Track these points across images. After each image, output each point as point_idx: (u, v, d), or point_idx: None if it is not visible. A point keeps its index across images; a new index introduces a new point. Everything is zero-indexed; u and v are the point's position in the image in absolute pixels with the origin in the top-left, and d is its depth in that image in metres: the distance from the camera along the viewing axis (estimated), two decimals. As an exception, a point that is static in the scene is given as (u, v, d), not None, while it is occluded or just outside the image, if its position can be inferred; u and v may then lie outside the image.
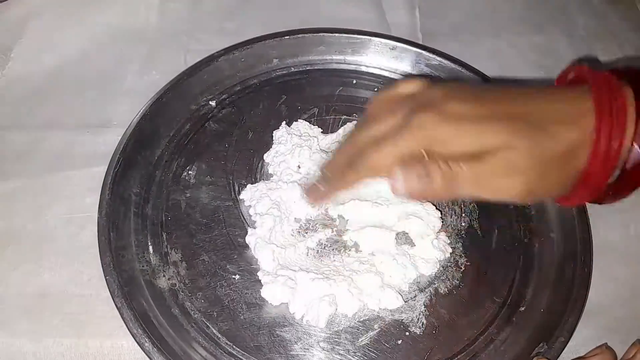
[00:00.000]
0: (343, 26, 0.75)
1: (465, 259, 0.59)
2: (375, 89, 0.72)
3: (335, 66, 0.74)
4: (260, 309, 0.55)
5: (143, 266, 0.57)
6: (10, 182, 0.63)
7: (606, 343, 0.54)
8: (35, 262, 0.58)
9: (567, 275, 0.58)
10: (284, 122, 0.67)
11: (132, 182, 0.62)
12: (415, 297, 0.56)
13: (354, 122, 0.67)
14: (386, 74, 0.74)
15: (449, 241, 0.60)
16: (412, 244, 0.59)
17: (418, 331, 0.55)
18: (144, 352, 0.51)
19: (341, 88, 0.72)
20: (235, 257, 0.58)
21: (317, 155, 0.62)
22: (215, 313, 0.55)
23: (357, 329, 0.54)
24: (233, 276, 0.57)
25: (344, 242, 0.59)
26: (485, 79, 0.71)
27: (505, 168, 0.41)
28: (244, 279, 0.56)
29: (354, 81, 0.73)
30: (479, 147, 0.41)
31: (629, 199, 0.64)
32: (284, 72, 0.73)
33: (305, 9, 0.82)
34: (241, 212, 0.61)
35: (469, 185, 0.42)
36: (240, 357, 0.52)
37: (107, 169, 0.60)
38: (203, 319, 0.54)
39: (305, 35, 0.73)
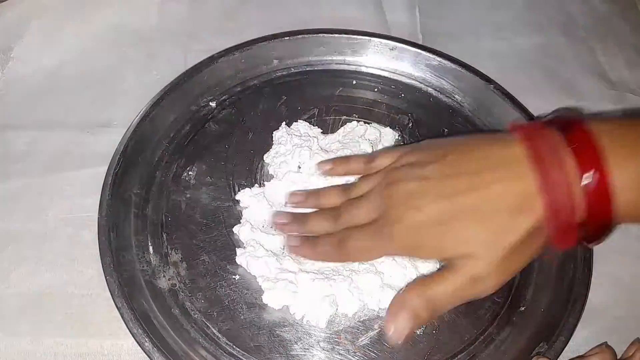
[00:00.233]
0: (343, 26, 0.75)
1: (465, 260, 0.59)
2: (375, 89, 0.72)
3: (335, 67, 0.74)
4: (261, 309, 0.55)
5: (143, 266, 0.57)
6: (10, 182, 0.63)
7: (606, 342, 0.54)
8: (35, 262, 0.58)
9: (567, 275, 0.58)
10: (284, 122, 0.67)
11: (133, 183, 0.62)
12: (415, 297, 0.56)
13: (354, 122, 0.66)
14: (386, 74, 0.74)
15: None
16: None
17: (418, 331, 0.55)
18: (144, 352, 0.51)
19: (341, 89, 0.72)
20: (235, 257, 0.57)
21: (317, 156, 0.62)
22: (215, 313, 0.55)
23: (357, 329, 0.54)
24: (233, 276, 0.57)
25: None
26: (485, 79, 0.71)
27: (474, 279, 0.45)
28: (244, 279, 0.56)
29: (354, 82, 0.73)
30: (442, 257, 0.48)
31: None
32: (284, 72, 0.73)
33: (305, 9, 0.82)
34: (241, 213, 0.61)
35: (446, 303, 0.47)
36: (241, 357, 0.52)
37: (108, 170, 0.60)
38: (203, 319, 0.54)
39: (305, 36, 0.73)
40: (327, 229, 0.53)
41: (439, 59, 0.72)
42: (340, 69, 0.74)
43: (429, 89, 0.73)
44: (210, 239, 0.59)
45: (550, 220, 0.42)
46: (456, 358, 0.54)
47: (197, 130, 0.67)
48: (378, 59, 0.74)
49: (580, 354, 0.54)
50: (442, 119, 0.70)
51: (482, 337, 0.55)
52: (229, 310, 0.55)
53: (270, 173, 0.64)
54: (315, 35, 0.74)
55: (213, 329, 0.54)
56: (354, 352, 0.53)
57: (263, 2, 0.84)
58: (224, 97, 0.70)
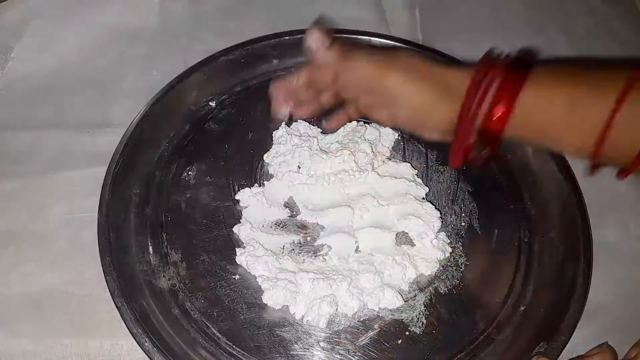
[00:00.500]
0: (343, 26, 0.75)
1: (465, 259, 0.59)
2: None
3: (335, 66, 0.74)
4: (261, 309, 0.55)
5: (143, 266, 0.57)
6: (11, 182, 0.63)
7: (607, 342, 0.54)
8: (36, 263, 0.58)
9: (567, 275, 0.58)
10: (284, 122, 0.67)
11: (132, 183, 0.62)
12: (415, 296, 0.56)
13: (354, 122, 0.66)
14: (386, 74, 0.73)
15: (448, 241, 0.60)
16: (411, 244, 0.59)
17: (418, 331, 0.55)
18: (144, 352, 0.51)
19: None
20: (235, 257, 0.57)
21: (317, 156, 0.62)
22: (215, 313, 0.55)
23: (357, 329, 0.55)
24: (233, 276, 0.57)
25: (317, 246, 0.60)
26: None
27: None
28: (244, 279, 0.56)
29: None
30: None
31: (628, 199, 0.65)
32: (284, 72, 0.73)
33: (305, 9, 0.82)
34: (241, 213, 0.61)
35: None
36: (240, 357, 0.52)
37: (107, 170, 0.60)
38: (203, 319, 0.54)
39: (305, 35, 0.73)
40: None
41: (438, 58, 0.72)
42: (339, 69, 0.74)
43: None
44: (210, 239, 0.59)
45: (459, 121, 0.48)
46: (456, 358, 0.54)
47: (196, 130, 0.67)
48: (378, 59, 0.74)
49: (581, 354, 0.54)
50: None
51: (482, 337, 0.55)
52: (228, 310, 0.55)
53: (270, 173, 0.64)
54: (315, 34, 0.73)
55: (213, 329, 0.54)
56: (354, 351, 0.53)
57: (263, 2, 0.84)
58: (223, 97, 0.70)
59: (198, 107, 0.69)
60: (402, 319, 0.55)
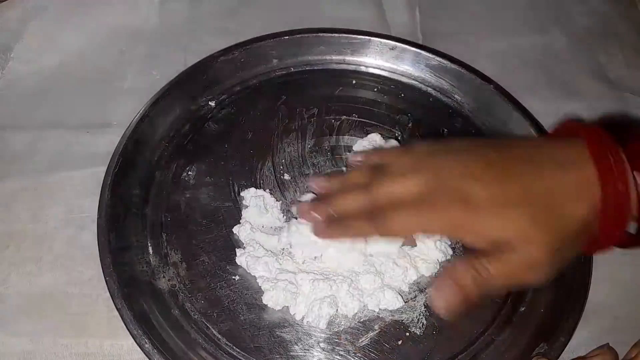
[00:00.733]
0: (343, 26, 0.75)
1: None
2: (375, 89, 0.72)
3: (334, 66, 0.74)
4: (261, 310, 0.55)
5: (143, 267, 0.57)
6: (10, 182, 0.63)
7: (608, 343, 0.55)
8: (35, 263, 0.58)
9: (567, 275, 0.58)
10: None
11: (132, 183, 0.61)
12: (415, 297, 0.56)
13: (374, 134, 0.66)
14: (386, 74, 0.73)
15: (449, 242, 0.60)
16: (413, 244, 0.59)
17: (418, 332, 0.55)
18: (144, 353, 0.51)
19: (341, 88, 0.72)
20: (235, 257, 0.57)
21: None
22: (215, 314, 0.55)
23: (357, 330, 0.54)
24: (233, 277, 0.57)
25: None
26: (485, 79, 0.71)
27: (529, 264, 0.43)
28: (244, 280, 0.56)
29: (354, 81, 0.73)
30: (498, 239, 0.44)
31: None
32: (284, 72, 0.73)
33: (305, 9, 0.82)
34: (241, 213, 0.61)
35: (497, 284, 0.44)
36: (241, 358, 0.52)
37: (107, 170, 0.60)
38: (203, 319, 0.54)
39: (305, 35, 0.73)
40: (359, 204, 0.49)
41: (438, 58, 0.72)
42: (340, 69, 0.74)
43: (429, 89, 0.73)
44: (210, 239, 0.59)
45: (605, 210, 0.43)
46: (456, 359, 0.54)
47: (196, 130, 0.67)
48: (378, 59, 0.74)
49: (581, 355, 0.54)
50: (442, 118, 0.70)
51: (482, 337, 0.55)
52: (228, 311, 0.55)
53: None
54: (314, 34, 0.73)
55: (213, 330, 0.54)
56: (354, 352, 0.53)
57: (263, 1, 0.83)
58: (223, 97, 0.70)
59: (197, 107, 0.69)
60: (402, 320, 0.55)
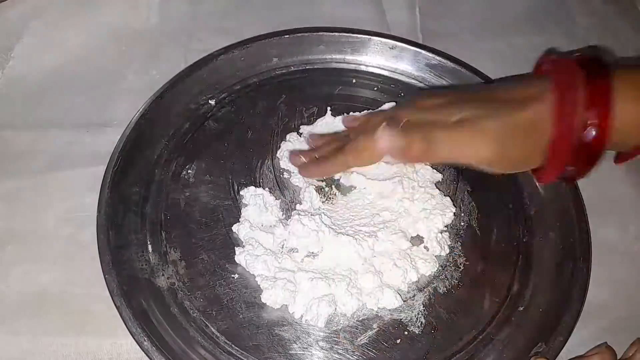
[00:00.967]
0: (343, 25, 0.75)
1: (464, 259, 0.59)
2: (375, 88, 0.72)
3: (334, 65, 0.74)
4: (260, 308, 0.55)
5: (142, 265, 0.57)
6: (10, 181, 0.63)
7: (606, 342, 0.55)
8: (35, 261, 0.58)
9: (565, 275, 0.58)
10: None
11: (132, 181, 0.61)
12: (414, 296, 0.56)
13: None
14: (386, 73, 0.74)
15: (449, 242, 0.60)
16: (418, 243, 0.59)
17: (417, 330, 0.55)
18: (143, 351, 0.51)
19: (340, 87, 0.72)
20: (235, 256, 0.57)
21: None
22: (214, 312, 0.55)
23: (356, 328, 0.55)
24: (232, 275, 0.57)
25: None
26: (485, 79, 0.71)
27: (478, 131, 0.48)
28: (243, 278, 0.56)
29: (354, 80, 0.73)
30: (456, 118, 0.50)
31: (628, 199, 0.65)
32: (284, 71, 0.73)
33: (305, 8, 0.82)
34: (240, 211, 0.61)
35: (445, 147, 0.50)
36: (239, 356, 0.53)
37: (107, 168, 0.60)
38: (202, 317, 0.54)
39: (305, 34, 0.73)
40: (338, 147, 0.57)
41: (438, 58, 0.72)
42: (339, 68, 0.74)
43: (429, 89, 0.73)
44: (209, 238, 0.59)
45: (552, 147, 0.47)
46: (455, 357, 0.54)
47: (196, 129, 0.67)
48: (378, 58, 0.74)
49: (579, 354, 0.54)
50: (442, 118, 0.70)
51: (480, 337, 0.55)
52: (227, 309, 0.55)
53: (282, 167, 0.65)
54: (314, 33, 0.74)
55: (212, 328, 0.54)
56: (353, 351, 0.53)
57: (263, 1, 0.83)
58: (223, 96, 0.70)
59: (197, 106, 0.69)
60: (401, 319, 0.55)
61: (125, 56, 0.76)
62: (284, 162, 0.64)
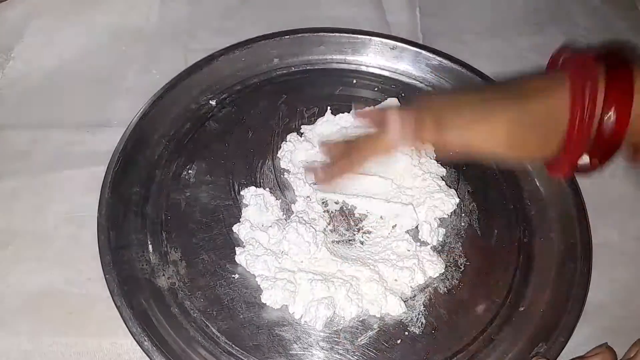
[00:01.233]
0: (343, 26, 0.75)
1: (465, 259, 0.59)
2: (375, 89, 0.72)
3: (335, 66, 0.74)
4: (260, 309, 0.55)
5: (142, 265, 0.57)
6: (11, 181, 0.63)
7: (606, 343, 0.54)
8: (35, 261, 0.58)
9: (566, 275, 0.58)
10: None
11: (132, 182, 0.61)
12: (414, 297, 0.56)
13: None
14: (386, 73, 0.74)
15: (441, 238, 0.60)
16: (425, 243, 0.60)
17: (417, 331, 0.55)
18: (143, 351, 0.51)
19: (341, 88, 0.72)
20: (235, 256, 0.57)
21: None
22: (214, 312, 0.55)
23: (357, 329, 0.54)
24: (232, 275, 0.57)
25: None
26: (485, 79, 0.71)
27: (493, 115, 0.48)
28: (244, 278, 0.56)
29: (354, 81, 0.73)
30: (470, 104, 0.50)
31: (628, 199, 0.65)
32: (284, 71, 0.73)
33: (306, 8, 0.82)
34: (241, 212, 0.61)
35: (457, 127, 0.49)
36: (240, 356, 0.52)
37: (107, 168, 0.60)
38: (202, 318, 0.54)
39: (305, 34, 0.73)
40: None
41: (439, 58, 0.72)
42: (340, 68, 0.74)
43: (429, 88, 0.73)
44: (210, 238, 0.59)
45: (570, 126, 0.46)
46: (455, 358, 0.54)
47: (196, 129, 0.67)
48: (378, 59, 0.74)
49: (580, 354, 0.54)
50: (442, 118, 0.70)
51: (481, 337, 0.55)
52: (228, 310, 0.55)
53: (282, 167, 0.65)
54: (315, 34, 0.74)
55: (212, 328, 0.54)
56: (353, 351, 0.53)
57: (263, 1, 0.84)
58: (224, 96, 0.70)
59: (198, 106, 0.69)
60: (401, 319, 0.55)
61: (126, 56, 0.76)
62: (285, 162, 0.64)
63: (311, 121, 0.68)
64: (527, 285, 0.59)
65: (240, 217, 0.60)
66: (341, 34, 0.74)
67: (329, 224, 0.60)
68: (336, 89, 0.72)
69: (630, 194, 0.67)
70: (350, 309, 0.54)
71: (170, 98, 0.67)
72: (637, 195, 0.67)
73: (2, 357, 0.53)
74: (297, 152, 0.64)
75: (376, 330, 0.55)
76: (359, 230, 0.61)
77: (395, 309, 0.55)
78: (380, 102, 0.70)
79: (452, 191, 0.62)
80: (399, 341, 0.54)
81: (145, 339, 0.51)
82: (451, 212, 0.62)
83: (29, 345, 0.53)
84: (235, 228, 0.59)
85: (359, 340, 0.54)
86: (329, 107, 0.67)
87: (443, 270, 0.58)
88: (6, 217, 0.61)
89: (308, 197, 0.62)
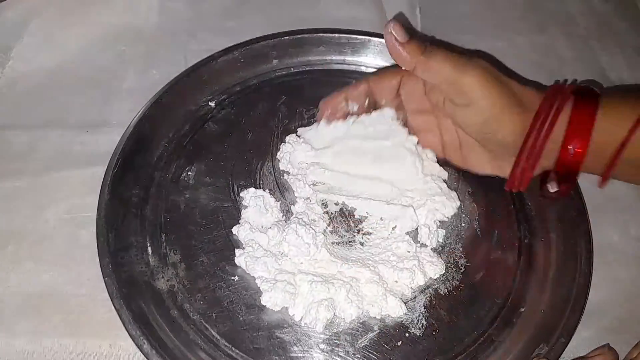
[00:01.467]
0: (344, 26, 0.75)
1: (465, 260, 0.59)
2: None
3: (335, 66, 0.74)
4: (260, 311, 0.55)
5: (142, 267, 0.57)
6: (10, 181, 0.63)
7: (608, 344, 0.54)
8: (35, 262, 0.58)
9: (567, 276, 0.58)
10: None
11: (131, 183, 0.61)
12: (415, 298, 0.56)
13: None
14: (386, 74, 0.73)
15: (440, 239, 0.60)
16: (424, 245, 0.59)
17: (418, 332, 0.54)
18: (143, 353, 0.50)
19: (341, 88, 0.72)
20: (235, 258, 0.57)
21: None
22: (214, 314, 0.54)
23: (357, 331, 0.54)
24: (232, 277, 0.56)
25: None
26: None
27: (478, 68, 0.51)
28: (243, 280, 0.56)
29: (354, 81, 0.72)
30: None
31: (628, 199, 0.65)
32: (284, 72, 0.73)
33: (306, 8, 0.82)
34: (240, 213, 0.60)
35: (444, 59, 0.52)
36: (240, 359, 0.52)
37: (106, 170, 0.60)
38: (202, 320, 0.54)
39: (305, 35, 0.73)
40: None
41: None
42: (340, 69, 0.74)
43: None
44: (209, 240, 0.59)
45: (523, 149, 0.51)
46: (456, 359, 0.54)
47: (196, 130, 0.67)
48: (378, 59, 0.74)
49: (581, 355, 0.54)
50: (442, 118, 0.70)
51: (481, 338, 0.55)
52: (227, 312, 0.55)
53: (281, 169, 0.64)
54: (314, 34, 0.73)
55: (212, 331, 0.54)
56: (354, 354, 0.53)
57: (263, 1, 0.83)
58: (223, 97, 0.70)
59: (197, 107, 0.69)
60: (402, 321, 0.55)
61: (125, 56, 0.76)
62: (284, 164, 0.64)
63: (311, 122, 0.68)
64: (528, 286, 0.58)
65: (240, 219, 0.60)
66: (340, 35, 0.73)
67: (328, 226, 0.60)
68: (336, 90, 0.71)
69: (631, 194, 0.66)
70: (351, 311, 0.54)
71: (170, 99, 0.66)
72: (637, 195, 0.67)
73: (2, 358, 0.53)
74: (296, 153, 0.64)
75: (377, 332, 0.54)
76: (358, 231, 0.60)
77: (395, 311, 0.55)
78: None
79: (454, 194, 0.62)
80: (399, 343, 0.54)
81: (145, 342, 0.50)
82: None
83: (29, 346, 0.53)
84: (234, 230, 0.59)
85: (360, 342, 0.54)
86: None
87: (443, 272, 0.58)
88: (5, 218, 0.61)
89: (308, 198, 0.61)
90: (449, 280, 0.58)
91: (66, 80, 0.73)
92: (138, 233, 0.59)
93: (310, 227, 0.58)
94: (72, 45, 0.77)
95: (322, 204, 0.62)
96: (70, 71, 0.74)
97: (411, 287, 0.56)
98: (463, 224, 0.62)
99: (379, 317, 0.55)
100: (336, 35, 0.73)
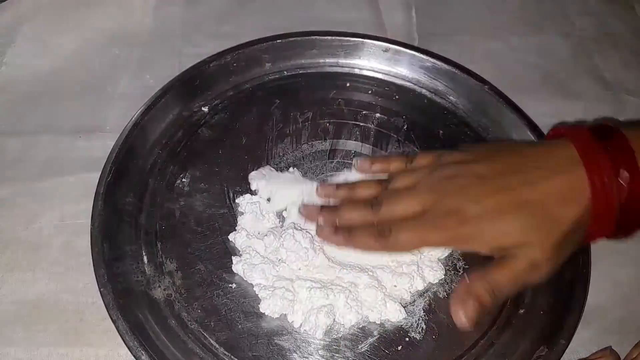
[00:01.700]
0: (339, 28, 0.75)
1: (464, 262, 0.59)
2: (369, 92, 0.72)
3: (328, 69, 0.74)
4: (258, 318, 0.54)
5: (138, 277, 0.56)
6: (3, 188, 0.63)
7: (610, 346, 0.54)
8: (29, 270, 0.58)
9: (566, 277, 0.57)
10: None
11: (125, 191, 0.61)
12: (414, 302, 0.56)
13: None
14: (380, 76, 0.73)
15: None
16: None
17: (418, 336, 0.54)
18: (141, 364, 0.50)
19: (335, 91, 0.71)
20: (232, 265, 0.57)
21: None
22: (212, 323, 0.54)
23: (357, 336, 0.54)
24: (230, 285, 0.56)
25: None
26: (479, 80, 0.70)
27: (531, 265, 0.48)
28: (241, 288, 0.56)
29: (348, 84, 0.72)
30: (497, 245, 0.49)
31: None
32: (277, 76, 0.72)
33: (301, 11, 0.82)
34: (236, 220, 0.60)
35: (506, 289, 0.49)
36: (239, 367, 0.52)
37: (99, 178, 0.59)
38: (200, 329, 0.53)
39: (298, 38, 0.73)
40: (365, 219, 0.54)
41: (433, 60, 0.72)
42: (333, 72, 0.74)
43: (423, 91, 0.72)
44: (206, 247, 0.58)
45: (596, 206, 0.47)
46: (457, 363, 0.54)
47: (189, 136, 0.66)
48: (372, 61, 0.74)
49: (582, 357, 0.54)
50: (437, 120, 0.70)
51: (482, 341, 0.55)
52: (226, 320, 0.54)
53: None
54: (307, 37, 0.73)
55: (210, 339, 0.53)
56: (354, 359, 0.53)
57: (258, 5, 0.83)
58: (216, 102, 0.69)
59: (190, 113, 0.68)
60: (401, 325, 0.55)
61: (119, 60, 0.76)
62: (255, 184, 0.63)
63: (305, 125, 0.67)
64: (527, 288, 0.58)
65: (236, 226, 0.59)
66: (333, 37, 0.73)
67: None
68: (329, 93, 0.71)
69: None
70: (350, 316, 0.54)
71: (163, 105, 0.66)
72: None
73: (-2, 367, 0.52)
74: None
75: (376, 337, 0.54)
76: None
77: (395, 315, 0.54)
78: (374, 105, 0.70)
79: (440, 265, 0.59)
80: (399, 347, 0.54)
81: (143, 352, 0.50)
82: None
83: (25, 354, 0.53)
84: (231, 237, 0.59)
85: (360, 347, 0.53)
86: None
87: (443, 277, 0.57)
88: (-1, 225, 0.60)
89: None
90: (448, 283, 0.57)
91: (59, 85, 0.72)
92: (133, 242, 0.58)
93: (307, 232, 0.57)
94: (66, 50, 0.76)
95: None
96: (63, 76, 0.73)
97: (410, 292, 0.56)
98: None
99: (378, 322, 0.54)
100: (329, 37, 0.73)
